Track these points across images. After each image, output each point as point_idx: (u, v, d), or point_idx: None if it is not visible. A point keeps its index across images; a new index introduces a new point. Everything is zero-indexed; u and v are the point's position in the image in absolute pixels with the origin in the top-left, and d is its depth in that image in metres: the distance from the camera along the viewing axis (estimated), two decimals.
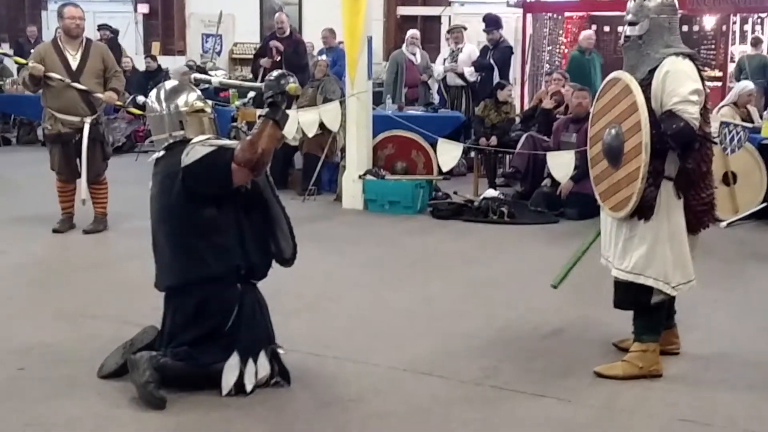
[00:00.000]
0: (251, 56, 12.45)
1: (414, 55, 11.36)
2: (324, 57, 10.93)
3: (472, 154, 9.66)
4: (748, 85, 8.94)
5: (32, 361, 4.21)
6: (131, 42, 17.26)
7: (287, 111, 3.82)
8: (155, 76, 13.00)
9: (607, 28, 13.01)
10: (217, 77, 5.39)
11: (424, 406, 3.82)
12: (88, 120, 6.87)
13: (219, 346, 3.82)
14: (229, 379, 3.80)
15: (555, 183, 8.12)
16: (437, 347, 4.54)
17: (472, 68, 10.68)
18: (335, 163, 9.03)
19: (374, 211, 8.16)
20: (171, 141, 3.94)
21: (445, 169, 8.69)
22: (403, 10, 16.16)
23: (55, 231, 6.97)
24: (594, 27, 12.93)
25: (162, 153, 3.95)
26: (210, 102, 4.25)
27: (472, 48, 11.06)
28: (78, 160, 6.96)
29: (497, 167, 9.74)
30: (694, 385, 4.11)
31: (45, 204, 8.14)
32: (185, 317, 3.86)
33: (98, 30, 15.00)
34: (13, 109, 13.11)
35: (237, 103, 10.02)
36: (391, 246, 6.95)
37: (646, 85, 4.01)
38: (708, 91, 4.18)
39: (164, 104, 3.99)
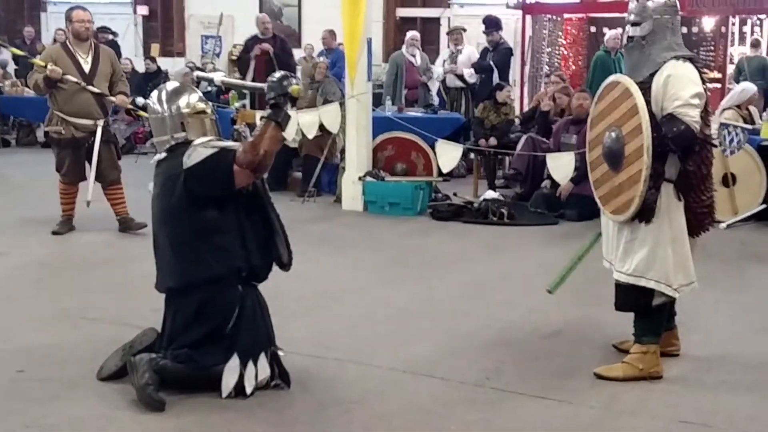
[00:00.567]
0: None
1: (414, 56, 11.37)
2: (323, 58, 10.93)
3: (472, 155, 9.67)
4: (749, 87, 8.93)
5: (32, 363, 4.20)
6: (131, 44, 17.26)
7: (289, 113, 3.82)
8: (155, 77, 13.01)
9: (606, 30, 13.01)
10: (219, 77, 5.39)
11: (425, 408, 3.82)
12: (100, 123, 6.89)
13: (219, 348, 3.82)
14: (229, 381, 3.79)
15: (555, 184, 8.12)
16: (438, 348, 4.54)
17: (472, 70, 10.68)
18: (335, 164, 9.03)
19: (374, 213, 8.16)
20: (173, 143, 3.94)
21: (444, 171, 8.69)
22: (403, 12, 16.17)
23: (54, 233, 6.96)
24: (593, 29, 12.94)
25: (163, 155, 3.95)
26: (211, 103, 4.24)
27: (471, 50, 11.08)
28: (86, 162, 6.95)
29: (497, 169, 9.74)
30: (695, 386, 4.11)
31: (44, 205, 8.13)
32: (186, 319, 3.85)
33: (98, 32, 15.00)
34: (13, 111, 13.11)
35: (236, 104, 10.03)
36: (391, 247, 6.95)
37: (645, 88, 4.00)
38: (709, 94, 4.18)
39: (165, 105, 3.98)
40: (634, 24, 4.13)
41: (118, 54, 12.97)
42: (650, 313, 4.15)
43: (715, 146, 4.45)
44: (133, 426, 3.60)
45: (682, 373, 4.24)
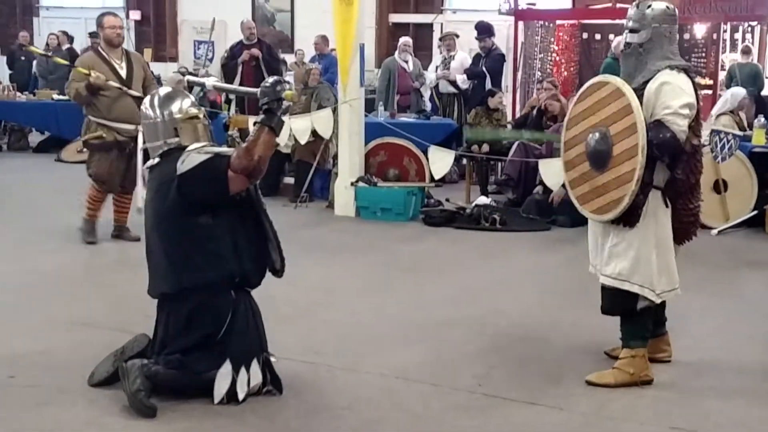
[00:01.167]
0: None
1: (406, 62, 11.38)
2: (316, 64, 10.93)
3: (464, 161, 9.68)
4: (738, 91, 8.98)
5: (23, 369, 4.19)
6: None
7: (283, 118, 3.82)
8: None
9: (598, 36, 13.05)
10: (211, 81, 5.39)
11: (416, 414, 3.82)
12: (141, 127, 6.82)
13: (211, 354, 3.81)
14: (221, 387, 3.79)
15: (547, 190, 8.14)
16: (430, 354, 4.54)
17: (464, 76, 10.70)
18: (327, 170, 9.03)
19: (366, 218, 8.16)
20: (165, 148, 3.94)
21: (437, 177, 8.69)
22: (395, 18, 16.20)
23: (90, 242, 6.85)
24: (585, 35, 12.98)
25: (157, 160, 3.95)
26: (203, 108, 4.24)
27: (464, 55, 11.10)
28: (126, 170, 6.84)
29: (489, 174, 9.75)
30: (685, 392, 4.12)
31: (36, 211, 8.13)
32: (178, 325, 3.85)
33: (89, 37, 14.99)
34: (4, 115, 13.07)
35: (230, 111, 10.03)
36: (384, 253, 6.95)
37: (639, 95, 4.00)
38: (701, 103, 4.19)
39: (158, 111, 3.99)
40: (632, 31, 4.14)
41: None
42: (635, 317, 4.17)
43: (701, 155, 4.44)
44: None
45: (672, 379, 4.25)
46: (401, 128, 9.03)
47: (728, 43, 12.94)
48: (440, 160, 8.63)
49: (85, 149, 7.23)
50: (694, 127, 4.07)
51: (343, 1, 8.10)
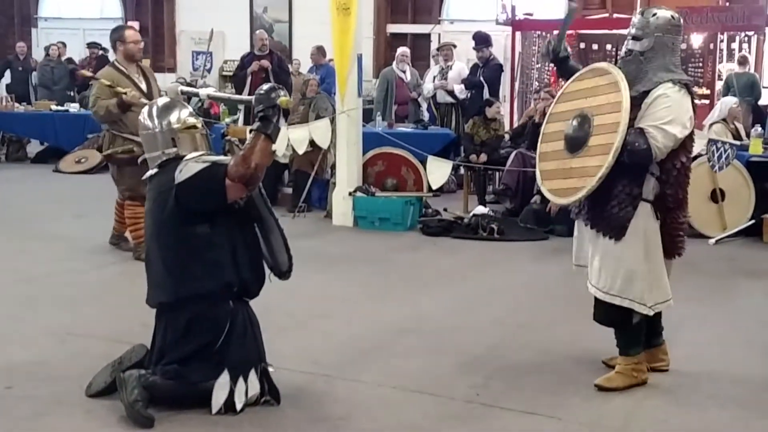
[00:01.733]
0: None
1: (404, 72, 11.42)
2: (314, 75, 10.96)
3: (462, 171, 9.69)
4: (728, 99, 9.02)
5: (20, 380, 4.18)
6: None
7: (279, 125, 3.82)
8: None
9: (595, 46, 13.08)
10: (206, 90, 5.39)
11: (414, 424, 3.81)
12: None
13: (209, 364, 3.80)
14: (219, 397, 3.78)
15: (544, 200, 8.10)
16: (427, 364, 4.54)
17: (462, 86, 10.73)
18: (325, 180, 9.04)
19: (364, 228, 8.17)
20: (164, 158, 3.94)
21: (435, 186, 8.71)
22: (393, 28, 16.25)
23: (138, 258, 6.57)
24: (582, 45, 13.00)
25: (155, 170, 3.95)
26: (201, 118, 4.25)
27: (461, 65, 11.12)
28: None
29: (487, 184, 9.76)
30: (683, 401, 4.11)
31: (33, 221, 8.13)
32: (176, 335, 3.84)
33: (87, 48, 15.02)
34: (2, 126, 13.08)
35: (227, 119, 10.04)
36: (381, 263, 6.95)
37: (638, 104, 3.98)
38: (695, 119, 4.16)
39: (156, 121, 3.99)
40: (635, 38, 4.10)
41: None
42: (629, 329, 4.17)
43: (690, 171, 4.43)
44: None
45: (670, 388, 4.25)
46: (399, 138, 9.05)
47: (725, 52, 12.99)
48: (438, 170, 8.64)
49: (109, 164, 6.97)
50: (687, 143, 4.05)
51: (341, 12, 8.13)
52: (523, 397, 4.11)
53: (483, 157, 9.18)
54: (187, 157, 3.86)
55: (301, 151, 8.88)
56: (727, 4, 13.56)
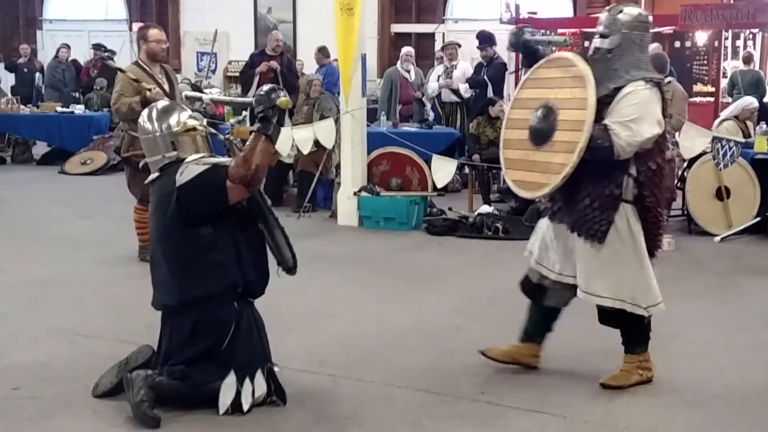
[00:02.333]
0: None
1: (408, 72, 11.42)
2: (317, 75, 10.97)
3: (467, 170, 9.68)
4: (753, 102, 8.99)
5: (26, 380, 4.19)
6: (126, 60, 17.22)
7: (280, 125, 3.82)
8: None
9: None
10: (209, 94, 5.38)
11: (419, 423, 3.82)
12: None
13: (215, 365, 3.81)
14: (225, 398, 3.78)
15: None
16: (433, 363, 4.54)
17: (467, 85, 10.72)
18: (330, 180, 9.05)
19: (369, 228, 8.17)
20: (165, 161, 3.94)
21: (439, 186, 8.70)
22: (397, 28, 16.26)
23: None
24: (587, 43, 12.99)
25: (157, 174, 3.96)
26: (204, 119, 4.25)
27: (466, 65, 11.12)
28: None
29: (492, 183, 9.76)
30: (689, 400, 4.11)
31: (39, 223, 8.15)
32: (182, 337, 3.85)
33: (92, 49, 15.05)
34: (8, 128, 13.12)
35: (232, 120, 10.05)
36: (386, 262, 6.95)
37: (608, 101, 3.91)
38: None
39: (156, 125, 3.99)
40: (602, 36, 4.05)
41: (114, 70, 13.06)
42: (634, 327, 4.16)
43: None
44: None
45: (676, 386, 4.24)
46: (403, 138, 9.05)
47: (730, 50, 12.97)
48: (443, 169, 8.64)
49: (125, 165, 6.87)
50: (662, 144, 4.02)
51: (344, 12, 8.13)
52: (528, 395, 4.11)
53: (476, 157, 9.10)
54: (187, 160, 3.87)
55: (305, 151, 8.89)
56: (732, 1, 13.54)
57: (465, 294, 5.98)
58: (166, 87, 6.65)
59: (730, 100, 11.00)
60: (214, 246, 3.83)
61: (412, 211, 8.21)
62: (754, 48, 13.22)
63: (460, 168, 9.37)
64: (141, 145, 6.47)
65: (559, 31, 12.77)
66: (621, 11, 4.07)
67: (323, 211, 8.91)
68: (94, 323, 5.15)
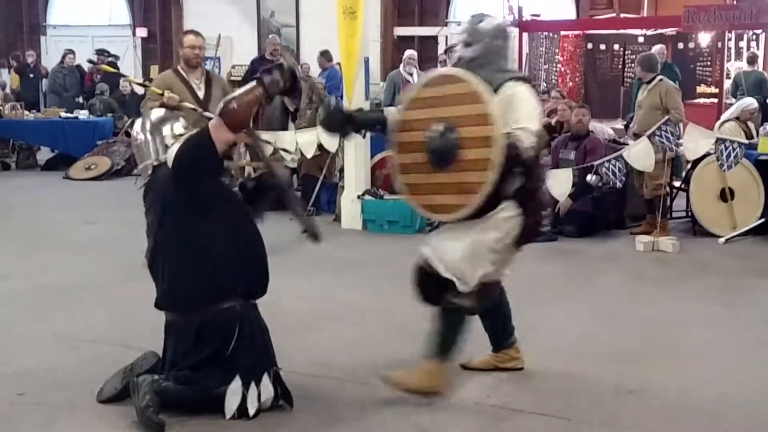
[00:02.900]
0: None
1: (411, 75, 11.42)
2: (320, 78, 10.99)
3: None
4: (752, 103, 8.99)
5: (31, 386, 4.20)
6: (130, 66, 17.36)
7: (280, 80, 3.85)
8: None
9: (603, 47, 13.09)
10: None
11: (424, 426, 3.82)
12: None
13: (221, 369, 3.81)
14: (231, 403, 3.78)
15: (553, 200, 8.13)
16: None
17: None
18: (334, 183, 9.05)
19: (373, 231, 8.18)
20: (156, 163, 3.96)
21: None
22: (400, 31, 16.27)
23: None
24: (590, 45, 13.01)
25: (148, 178, 3.99)
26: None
27: None
28: None
29: None
30: (693, 401, 4.10)
31: (44, 228, 8.17)
32: (186, 344, 3.84)
33: (96, 54, 15.09)
34: (13, 134, 13.15)
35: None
36: (390, 265, 6.94)
37: None
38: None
39: (149, 136, 4.02)
40: (466, 44, 4.04)
41: (118, 76, 13.09)
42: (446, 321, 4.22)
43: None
44: None
45: (680, 388, 4.24)
46: None
47: (733, 51, 12.95)
48: None
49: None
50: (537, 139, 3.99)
51: (347, 15, 8.15)
52: (533, 397, 4.11)
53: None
54: (170, 149, 3.92)
55: (309, 155, 8.89)
56: (735, 2, 13.54)
57: None
58: (201, 92, 6.62)
59: (734, 101, 10.98)
60: (212, 248, 3.82)
61: (416, 214, 8.20)
62: (758, 48, 13.20)
63: None
64: None
65: (562, 33, 12.78)
66: (481, 20, 4.07)
67: (327, 215, 8.92)
68: (98, 328, 5.16)
